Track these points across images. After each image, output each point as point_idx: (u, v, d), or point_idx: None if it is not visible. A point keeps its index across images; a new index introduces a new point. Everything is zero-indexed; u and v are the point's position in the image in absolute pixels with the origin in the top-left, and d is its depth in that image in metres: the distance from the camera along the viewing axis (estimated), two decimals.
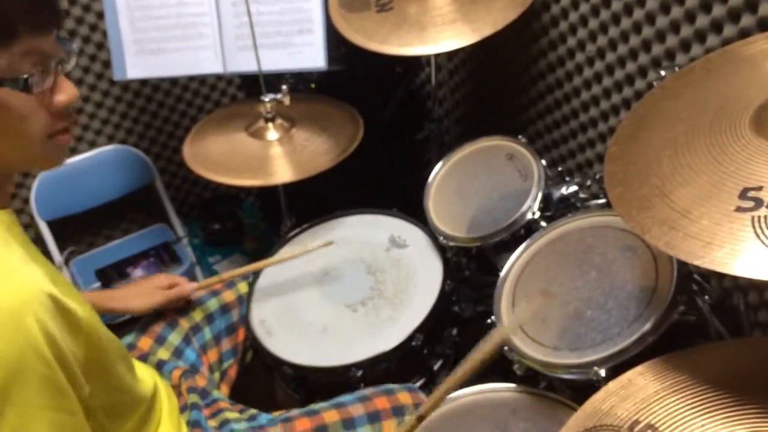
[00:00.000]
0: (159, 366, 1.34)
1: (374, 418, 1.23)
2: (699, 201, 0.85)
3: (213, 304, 1.51)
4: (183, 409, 1.25)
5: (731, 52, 1.08)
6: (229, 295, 1.54)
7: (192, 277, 2.24)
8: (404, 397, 1.26)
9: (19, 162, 0.92)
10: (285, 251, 1.60)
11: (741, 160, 0.86)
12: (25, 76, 0.83)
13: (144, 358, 1.35)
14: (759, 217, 0.78)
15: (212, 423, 1.24)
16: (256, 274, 1.58)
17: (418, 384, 1.43)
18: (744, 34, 1.24)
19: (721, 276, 1.37)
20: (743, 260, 0.76)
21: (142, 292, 1.40)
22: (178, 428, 1.20)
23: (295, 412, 1.26)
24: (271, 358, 1.40)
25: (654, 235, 0.86)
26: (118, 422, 1.04)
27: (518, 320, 1.20)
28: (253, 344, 1.45)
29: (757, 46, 1.02)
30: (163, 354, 1.39)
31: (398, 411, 1.24)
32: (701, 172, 0.89)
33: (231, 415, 1.26)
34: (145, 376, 1.16)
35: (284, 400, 1.47)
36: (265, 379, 1.50)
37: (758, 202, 0.80)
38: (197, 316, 1.48)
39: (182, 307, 1.47)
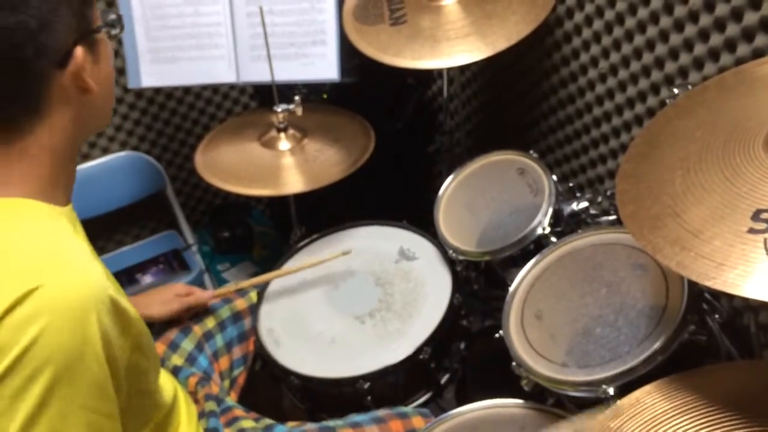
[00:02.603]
0: (175, 372, 1.34)
1: (381, 420, 1.24)
2: (711, 221, 0.85)
3: (225, 311, 1.52)
4: (200, 416, 1.26)
5: (744, 72, 1.08)
6: (240, 303, 1.55)
7: (201, 285, 2.24)
8: (418, 421, 1.26)
9: (110, 109, 1.01)
10: (301, 261, 1.60)
11: (754, 180, 0.86)
12: (110, 21, 0.96)
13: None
14: None
15: (229, 431, 1.24)
16: (265, 282, 1.58)
17: (425, 398, 1.43)
18: (758, 53, 1.24)
19: (732, 295, 1.36)
20: (755, 282, 0.76)
21: (162, 299, 1.42)
22: None
23: (310, 426, 1.27)
24: (278, 367, 1.40)
25: (666, 254, 0.86)
26: (139, 426, 1.04)
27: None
28: (261, 353, 1.45)
29: None
30: (177, 360, 1.39)
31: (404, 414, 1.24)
32: (714, 192, 0.89)
33: (247, 424, 1.26)
34: (166, 381, 1.17)
35: (291, 409, 1.47)
36: (272, 388, 1.50)
37: None
38: (210, 323, 1.48)
39: (195, 314, 1.48)
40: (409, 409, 1.30)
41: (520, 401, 1.17)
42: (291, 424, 1.29)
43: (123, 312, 0.87)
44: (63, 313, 0.79)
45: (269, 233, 2.58)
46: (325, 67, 1.75)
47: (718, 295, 1.22)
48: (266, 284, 1.58)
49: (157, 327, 1.44)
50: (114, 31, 0.98)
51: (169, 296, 1.42)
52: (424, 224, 1.59)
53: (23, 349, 0.77)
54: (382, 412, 1.28)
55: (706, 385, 0.89)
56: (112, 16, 0.97)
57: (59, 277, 0.81)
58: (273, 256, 2.18)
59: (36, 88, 0.87)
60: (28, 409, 0.77)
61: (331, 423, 1.26)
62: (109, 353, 0.83)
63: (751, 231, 0.81)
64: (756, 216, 0.82)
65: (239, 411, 1.30)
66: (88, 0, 0.92)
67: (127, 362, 0.90)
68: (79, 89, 0.90)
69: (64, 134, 0.91)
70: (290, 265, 1.62)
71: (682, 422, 0.84)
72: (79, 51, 0.88)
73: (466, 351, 1.49)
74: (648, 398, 0.91)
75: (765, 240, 0.79)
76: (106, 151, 2.36)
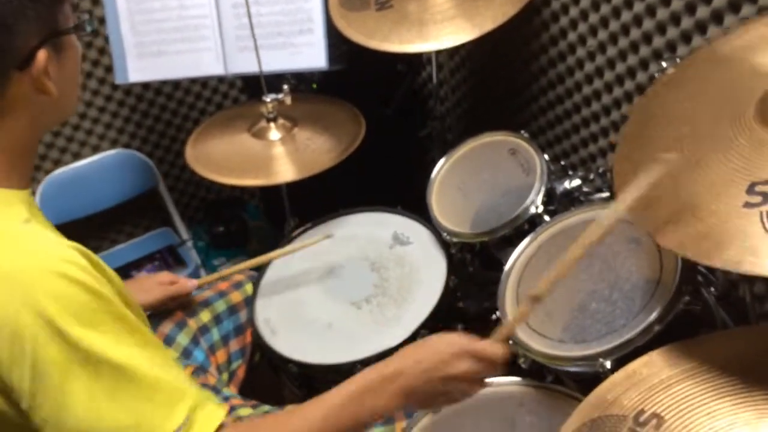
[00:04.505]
0: None
1: (388, 420, 1.23)
2: (708, 198, 0.84)
3: (221, 305, 1.51)
4: None
5: (731, 42, 1.07)
6: (236, 296, 1.54)
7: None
8: None
9: (72, 108, 1.01)
10: (290, 248, 1.60)
11: (747, 153, 0.85)
12: (79, 22, 0.95)
13: None
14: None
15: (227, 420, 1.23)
16: (260, 273, 1.58)
17: None
18: (746, 24, 1.23)
19: None
20: (754, 258, 0.75)
21: (144, 287, 1.40)
22: None
23: None
24: (276, 356, 1.39)
25: (664, 234, 0.86)
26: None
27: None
28: (259, 343, 1.45)
29: (758, 31, 1.01)
30: (172, 355, 1.39)
31: (411, 414, 1.23)
32: (708, 167, 0.88)
33: (244, 411, 1.26)
34: None
35: (292, 400, 1.47)
36: (272, 379, 1.50)
37: (765, 197, 0.79)
38: (205, 317, 1.48)
39: (190, 307, 1.47)
40: None
41: (518, 379, 1.17)
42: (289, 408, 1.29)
43: (95, 260, 0.89)
44: (13, 286, 0.82)
45: (264, 226, 2.58)
46: (313, 56, 1.75)
47: (712, 267, 1.21)
48: (261, 275, 1.58)
49: (152, 322, 1.43)
50: (85, 33, 0.96)
51: (151, 284, 1.41)
52: (418, 209, 1.59)
53: None
54: None
55: (702, 354, 0.88)
56: (84, 17, 0.96)
57: (13, 262, 0.83)
58: (268, 249, 2.16)
59: None
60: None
61: None
62: (96, 288, 0.86)
63: (747, 205, 0.80)
64: (751, 189, 0.81)
65: (237, 400, 1.30)
66: (58, 1, 0.91)
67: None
68: (38, 91, 0.90)
69: (20, 133, 0.91)
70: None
71: (678, 390, 0.84)
72: (41, 54, 0.88)
73: (464, 333, 1.49)
74: (645, 369, 0.91)
75: (761, 213, 0.78)
76: (96, 149, 2.36)
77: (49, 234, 0.90)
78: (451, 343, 0.96)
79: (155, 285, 1.41)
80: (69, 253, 0.86)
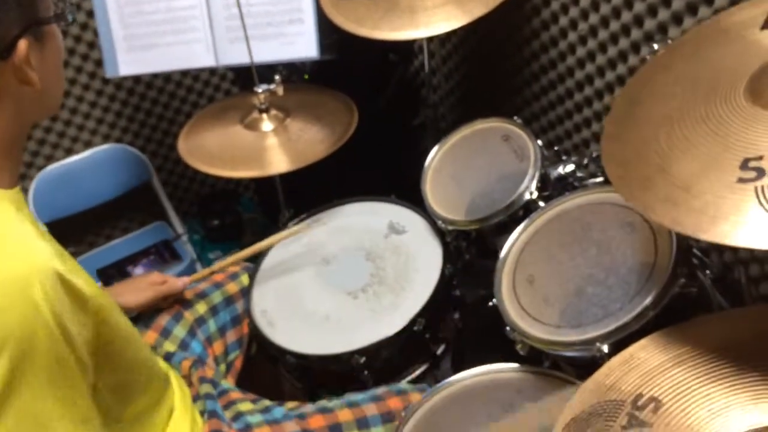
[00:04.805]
0: (167, 358, 1.34)
1: (387, 418, 1.23)
2: (700, 175, 0.84)
3: (217, 296, 1.51)
4: (195, 398, 1.26)
5: (720, 21, 1.07)
6: (232, 287, 1.54)
7: (193, 274, 2.23)
8: (416, 397, 1.26)
9: (56, 100, 1.00)
10: (287, 241, 1.59)
11: (739, 130, 0.85)
12: (60, 11, 0.94)
13: None
14: (762, 186, 0.77)
15: (227, 414, 1.24)
16: (256, 265, 1.58)
17: (422, 370, 1.43)
18: (735, 3, 1.23)
19: (722, 250, 1.37)
20: (748, 231, 0.75)
21: (136, 288, 1.40)
22: (192, 418, 1.20)
23: (308, 408, 1.27)
24: (274, 348, 1.39)
25: (658, 212, 0.85)
26: (126, 403, 1.04)
27: None
28: (256, 335, 1.45)
29: (747, 12, 1.01)
30: (169, 347, 1.39)
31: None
32: (700, 145, 0.88)
33: (244, 406, 1.26)
34: (157, 362, 1.17)
35: (290, 392, 1.47)
36: (270, 370, 1.50)
37: (760, 172, 0.79)
38: (201, 308, 1.48)
39: (185, 300, 1.47)
40: (407, 385, 1.31)
41: (515, 365, 1.18)
42: (289, 405, 1.29)
43: (73, 287, 0.87)
44: (6, 292, 0.80)
45: (258, 219, 2.58)
46: (304, 45, 1.74)
47: (707, 250, 1.22)
48: (257, 267, 1.57)
49: (148, 315, 1.43)
50: (65, 22, 0.96)
51: (143, 285, 1.41)
52: (413, 198, 1.58)
53: None
54: (380, 390, 1.28)
55: (698, 336, 0.89)
56: (66, 6, 0.95)
57: None
58: None
59: None
60: None
61: (329, 404, 1.26)
62: (62, 327, 0.84)
63: (741, 180, 0.80)
64: (744, 165, 0.81)
65: (236, 393, 1.30)
66: None
67: (92, 338, 0.90)
68: (21, 81, 0.89)
69: (4, 126, 0.90)
70: (281, 244, 1.61)
71: (675, 373, 0.84)
72: (22, 44, 0.87)
73: (461, 321, 1.50)
74: (642, 353, 0.91)
75: (755, 188, 0.78)
76: (88, 144, 2.35)
77: (36, 245, 0.87)
78: None
79: (147, 285, 1.41)
80: (45, 277, 0.84)
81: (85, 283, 0.90)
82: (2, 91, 0.88)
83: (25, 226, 0.89)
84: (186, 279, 1.47)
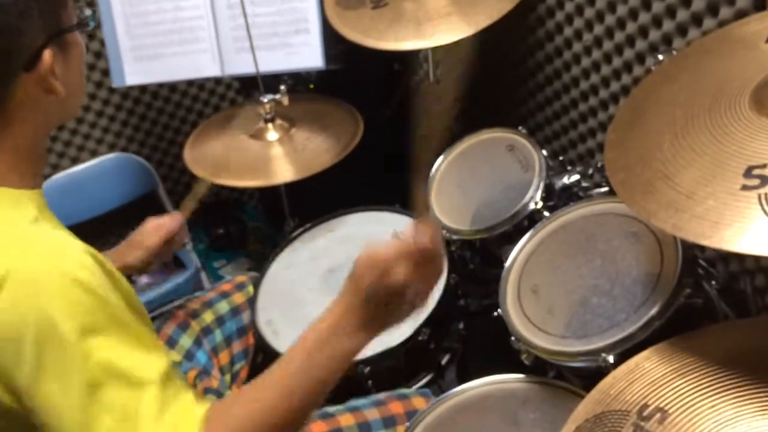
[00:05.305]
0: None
1: (389, 423, 1.23)
2: (703, 182, 0.85)
3: (223, 306, 1.51)
4: None
5: (726, 34, 1.07)
6: (239, 297, 1.54)
7: (198, 282, 2.24)
8: (418, 401, 1.25)
9: (78, 104, 1.01)
10: (296, 250, 1.61)
11: (743, 139, 0.86)
12: (82, 18, 0.95)
13: None
14: (766, 194, 0.78)
15: None
16: (261, 275, 1.58)
17: (426, 380, 1.42)
18: (740, 15, 1.23)
19: (728, 260, 1.37)
20: (751, 238, 0.76)
21: (134, 243, 1.37)
22: None
23: None
24: (279, 357, 1.39)
25: (660, 218, 0.85)
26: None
27: None
28: (261, 345, 1.45)
29: (752, 26, 1.01)
30: (174, 356, 1.39)
31: (413, 416, 1.23)
32: (703, 153, 0.88)
33: None
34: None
35: None
36: None
37: (764, 180, 0.79)
38: (208, 318, 1.48)
39: (193, 309, 1.47)
40: (409, 390, 1.30)
41: (521, 376, 1.17)
42: None
43: (106, 266, 0.88)
44: (50, 279, 0.81)
45: (263, 228, 2.58)
46: (310, 55, 1.75)
47: (713, 260, 1.21)
48: (262, 277, 1.57)
49: (155, 324, 1.43)
50: (87, 29, 0.97)
51: (139, 238, 1.37)
52: None
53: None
54: (382, 395, 1.28)
55: (704, 346, 0.88)
56: (87, 13, 0.96)
57: (22, 262, 0.82)
58: (267, 250, 2.18)
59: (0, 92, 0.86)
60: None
61: (331, 409, 1.26)
62: (107, 300, 0.84)
63: (745, 188, 0.80)
64: (748, 173, 0.82)
65: None
66: (61, 0, 0.91)
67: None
68: (46, 91, 0.89)
69: (29, 133, 0.91)
70: (286, 254, 1.62)
71: (681, 384, 0.84)
72: (47, 54, 0.87)
73: (465, 331, 1.49)
74: (647, 363, 0.91)
75: (759, 195, 0.78)
76: (94, 153, 2.35)
77: (61, 234, 0.90)
78: (372, 264, 0.89)
79: (144, 236, 1.37)
80: (80, 257, 0.85)
81: (111, 266, 0.91)
82: (27, 101, 0.89)
83: (54, 222, 0.92)
84: (178, 215, 1.44)
